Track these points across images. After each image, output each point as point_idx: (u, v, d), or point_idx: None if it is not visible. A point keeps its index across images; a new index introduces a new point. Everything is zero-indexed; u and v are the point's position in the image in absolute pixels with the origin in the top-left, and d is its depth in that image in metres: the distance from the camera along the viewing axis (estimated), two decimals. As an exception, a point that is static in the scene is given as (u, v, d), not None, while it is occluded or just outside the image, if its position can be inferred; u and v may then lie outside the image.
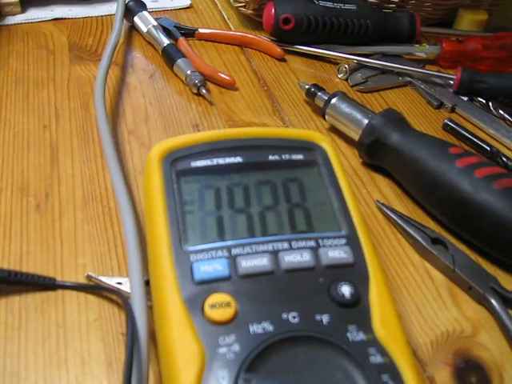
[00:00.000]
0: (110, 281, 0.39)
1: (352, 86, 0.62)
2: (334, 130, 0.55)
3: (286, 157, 0.36)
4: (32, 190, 0.46)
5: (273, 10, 0.63)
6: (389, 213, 0.46)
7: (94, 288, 0.39)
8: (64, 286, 0.39)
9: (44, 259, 0.41)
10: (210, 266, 0.30)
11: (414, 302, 0.41)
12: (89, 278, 0.40)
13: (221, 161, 0.35)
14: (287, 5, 0.63)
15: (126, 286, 0.38)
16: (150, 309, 0.34)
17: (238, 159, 0.36)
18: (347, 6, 0.65)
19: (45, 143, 0.50)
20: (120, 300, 0.38)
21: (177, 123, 0.54)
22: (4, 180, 0.46)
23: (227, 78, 0.59)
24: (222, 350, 0.28)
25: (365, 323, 0.30)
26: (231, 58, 0.65)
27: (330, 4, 0.64)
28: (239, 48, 0.67)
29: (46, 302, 0.38)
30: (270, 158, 0.36)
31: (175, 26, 0.67)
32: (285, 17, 0.62)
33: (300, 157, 0.37)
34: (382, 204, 0.47)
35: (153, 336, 0.33)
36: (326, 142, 0.38)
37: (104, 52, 0.57)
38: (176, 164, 0.35)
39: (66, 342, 0.36)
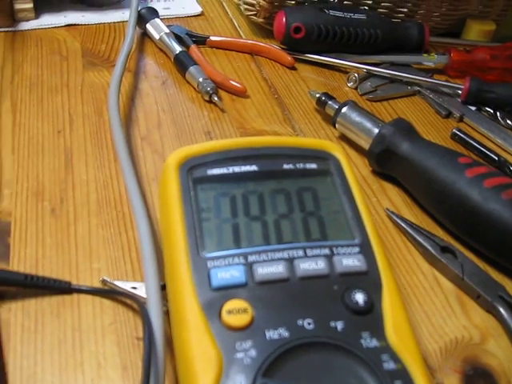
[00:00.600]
0: (125, 285, 0.39)
1: (361, 95, 0.63)
2: (344, 138, 0.55)
3: (300, 166, 0.37)
4: (47, 195, 0.46)
5: (284, 19, 0.64)
6: (398, 221, 0.47)
7: (110, 292, 0.40)
8: (79, 290, 0.40)
9: (59, 263, 0.41)
10: (227, 273, 0.31)
11: (424, 310, 0.41)
12: (104, 282, 0.40)
13: (236, 169, 0.36)
14: (298, 14, 0.64)
15: (141, 291, 0.39)
16: (165, 314, 0.34)
17: (254, 167, 0.36)
18: (357, 16, 0.66)
19: (59, 148, 0.51)
20: (135, 304, 0.39)
21: (189, 130, 0.55)
22: (19, 184, 0.47)
23: (238, 85, 0.60)
24: (239, 355, 0.28)
25: (378, 330, 0.30)
26: (242, 65, 0.66)
27: (340, 13, 0.65)
28: (250, 56, 0.68)
29: (61, 306, 0.39)
30: (285, 166, 0.37)
31: (187, 34, 0.67)
32: (296, 26, 0.63)
33: (314, 166, 0.37)
34: (392, 212, 0.48)
35: (168, 341, 0.33)
36: (338, 152, 0.38)
37: (118, 59, 0.57)
38: (193, 172, 0.36)
39: (82, 345, 0.37)
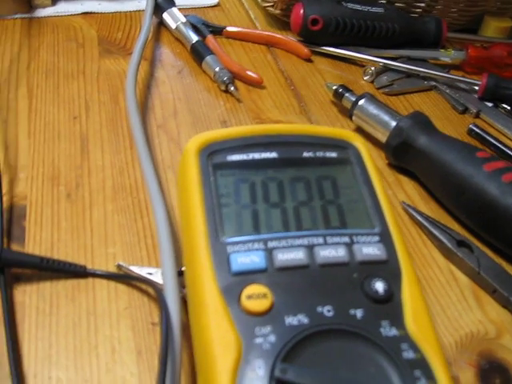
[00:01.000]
0: (141, 271, 0.39)
1: (378, 89, 0.63)
2: (359, 130, 0.55)
3: (320, 154, 0.37)
4: (63, 180, 0.46)
5: (301, 11, 0.63)
6: (415, 214, 0.47)
7: (125, 277, 0.40)
8: (95, 275, 0.40)
9: (75, 247, 0.41)
10: (247, 258, 0.31)
11: (439, 303, 0.41)
12: (119, 267, 0.40)
13: (256, 156, 0.36)
14: (316, 6, 0.64)
15: (156, 277, 0.39)
16: (181, 300, 0.34)
17: (274, 155, 0.36)
18: (375, 9, 0.65)
19: (75, 134, 0.51)
20: (150, 290, 0.39)
21: (205, 119, 0.55)
22: (35, 169, 0.47)
23: (255, 76, 0.60)
24: (258, 341, 0.28)
25: (397, 319, 0.30)
26: (258, 56, 0.66)
27: (357, 6, 0.65)
28: (266, 47, 0.67)
29: (76, 289, 0.39)
30: (305, 154, 0.37)
31: (203, 24, 0.67)
32: (313, 18, 0.63)
33: (334, 154, 0.37)
34: (408, 205, 0.47)
35: (184, 327, 0.33)
36: (359, 141, 0.38)
37: (134, 47, 0.57)
38: (212, 157, 0.35)
39: (97, 329, 0.37)
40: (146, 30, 0.60)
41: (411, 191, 0.50)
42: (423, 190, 0.50)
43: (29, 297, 0.38)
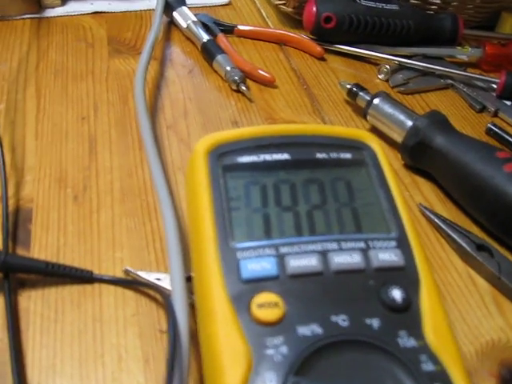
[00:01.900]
0: (149, 276, 0.38)
1: (393, 87, 0.61)
2: (374, 130, 0.54)
3: (333, 155, 0.35)
4: (70, 182, 0.45)
5: (314, 8, 0.62)
6: (432, 217, 0.45)
7: (133, 283, 0.38)
8: (101, 280, 0.38)
9: (81, 252, 0.40)
10: (258, 265, 0.29)
11: (458, 309, 0.40)
12: (127, 272, 0.39)
13: (268, 157, 0.34)
14: (329, 3, 0.62)
15: (165, 283, 0.37)
16: (190, 307, 0.33)
17: (286, 156, 0.35)
18: (389, 6, 0.64)
19: (83, 135, 0.50)
20: (158, 296, 0.37)
21: (216, 119, 0.53)
22: (42, 170, 0.46)
23: (267, 75, 0.58)
24: (270, 352, 0.27)
25: (416, 329, 0.29)
26: (270, 55, 0.64)
27: (371, 3, 0.63)
28: (278, 46, 0.66)
29: (82, 295, 0.38)
30: (318, 155, 0.35)
31: (214, 23, 0.66)
32: (326, 15, 0.61)
33: (348, 156, 0.36)
34: (425, 208, 0.46)
35: (192, 335, 0.32)
36: (374, 142, 0.37)
37: (144, 46, 0.56)
38: (222, 159, 0.34)
39: (103, 336, 0.36)
40: (156, 29, 0.59)
41: (428, 193, 0.48)
42: (441, 192, 0.48)
43: (33, 303, 0.37)
